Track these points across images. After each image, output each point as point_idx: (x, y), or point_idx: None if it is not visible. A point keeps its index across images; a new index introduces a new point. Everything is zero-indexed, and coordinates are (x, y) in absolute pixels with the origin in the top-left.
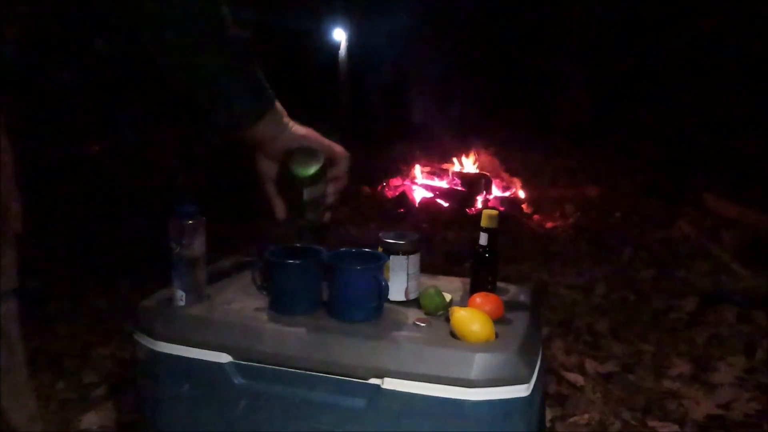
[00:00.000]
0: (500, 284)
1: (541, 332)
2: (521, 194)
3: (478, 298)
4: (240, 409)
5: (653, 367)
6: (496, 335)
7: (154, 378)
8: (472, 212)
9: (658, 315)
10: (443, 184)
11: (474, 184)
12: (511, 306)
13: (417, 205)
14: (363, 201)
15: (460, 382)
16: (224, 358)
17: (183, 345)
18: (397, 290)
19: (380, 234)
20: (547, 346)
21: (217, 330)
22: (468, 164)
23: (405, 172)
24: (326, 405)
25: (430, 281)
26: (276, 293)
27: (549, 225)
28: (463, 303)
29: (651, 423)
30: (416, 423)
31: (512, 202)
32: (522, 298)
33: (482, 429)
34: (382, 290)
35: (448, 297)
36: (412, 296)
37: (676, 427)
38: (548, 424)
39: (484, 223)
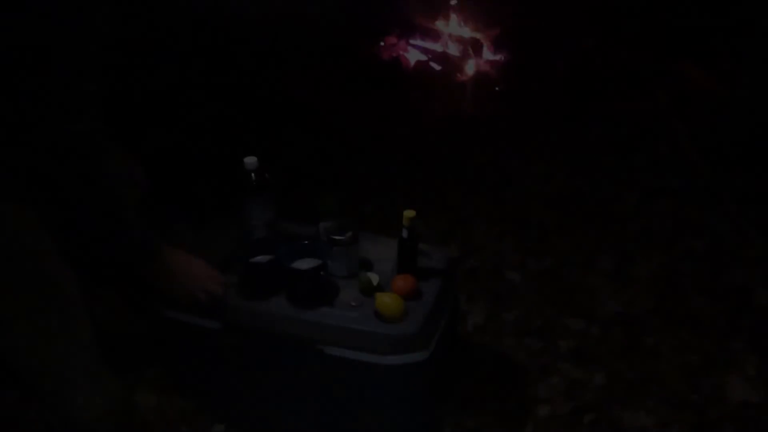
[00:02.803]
0: (426, 247)
1: (452, 297)
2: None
3: (399, 281)
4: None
5: (584, 262)
6: (407, 313)
7: None
8: (462, 78)
9: (603, 206)
10: (437, 47)
11: (465, 47)
12: (427, 279)
13: (411, 67)
14: (359, 64)
15: (376, 350)
16: (216, 324)
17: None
18: (339, 269)
19: (322, 225)
20: (498, 250)
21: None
22: (455, 23)
23: (401, 29)
24: (290, 359)
25: (371, 246)
26: (251, 284)
27: (535, 88)
28: (389, 282)
29: (565, 320)
30: (348, 378)
31: (504, 67)
32: (440, 266)
33: (394, 383)
34: (325, 285)
35: (375, 280)
36: (352, 272)
37: (583, 323)
38: (482, 321)
39: (405, 222)
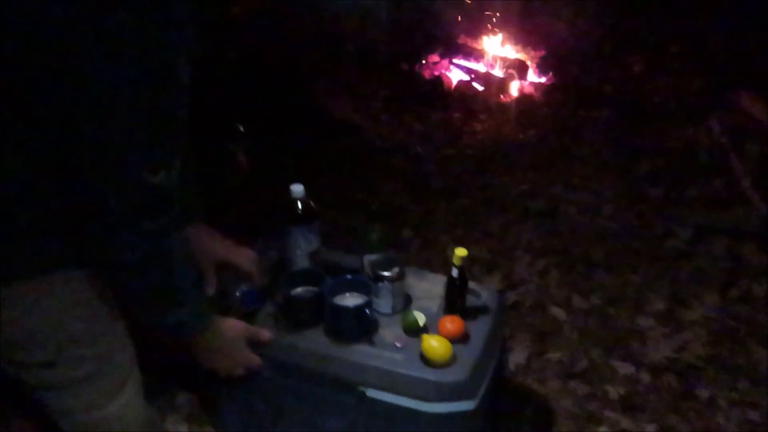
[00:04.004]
0: (474, 286)
1: (501, 340)
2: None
3: (446, 323)
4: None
5: (633, 302)
6: (455, 358)
7: None
8: (506, 100)
9: (654, 242)
10: (480, 66)
11: (510, 69)
12: (475, 319)
13: (453, 87)
14: (400, 83)
15: (421, 396)
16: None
17: None
18: (384, 306)
19: (366, 258)
20: (542, 284)
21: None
22: (499, 43)
23: (444, 48)
24: (330, 399)
25: (415, 282)
26: (291, 317)
27: (581, 113)
28: (435, 322)
29: (612, 362)
30: (389, 424)
31: (549, 89)
32: (489, 305)
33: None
34: (369, 323)
35: (422, 320)
36: (397, 309)
37: (632, 369)
38: (524, 361)
39: (455, 261)
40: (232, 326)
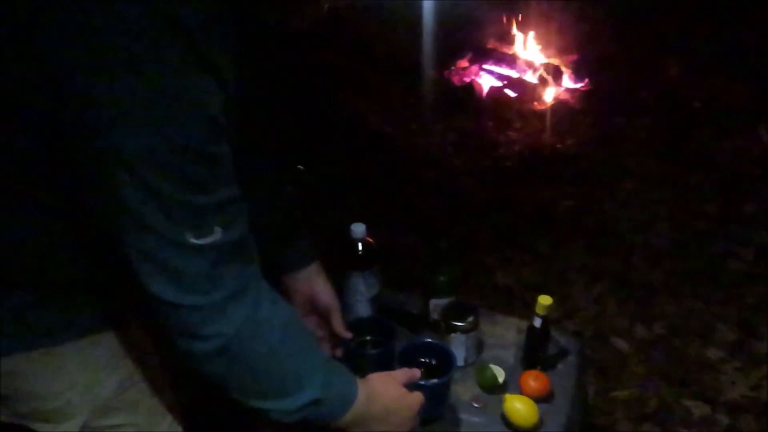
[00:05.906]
0: (553, 332)
1: (586, 395)
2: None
3: (530, 380)
4: None
5: (700, 330)
6: (542, 422)
7: None
8: (541, 107)
9: (715, 263)
10: (512, 72)
11: (544, 74)
12: (557, 371)
13: (484, 94)
14: (429, 90)
15: None
16: None
17: None
18: (457, 358)
19: (433, 302)
20: (600, 312)
21: None
22: (534, 49)
23: (473, 53)
24: None
25: (485, 326)
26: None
27: (619, 121)
28: (514, 377)
29: (686, 402)
30: None
31: (584, 96)
32: (571, 354)
33: None
34: (447, 400)
35: (501, 377)
36: (470, 361)
37: (707, 409)
38: (591, 400)
39: (539, 310)
40: (383, 380)
